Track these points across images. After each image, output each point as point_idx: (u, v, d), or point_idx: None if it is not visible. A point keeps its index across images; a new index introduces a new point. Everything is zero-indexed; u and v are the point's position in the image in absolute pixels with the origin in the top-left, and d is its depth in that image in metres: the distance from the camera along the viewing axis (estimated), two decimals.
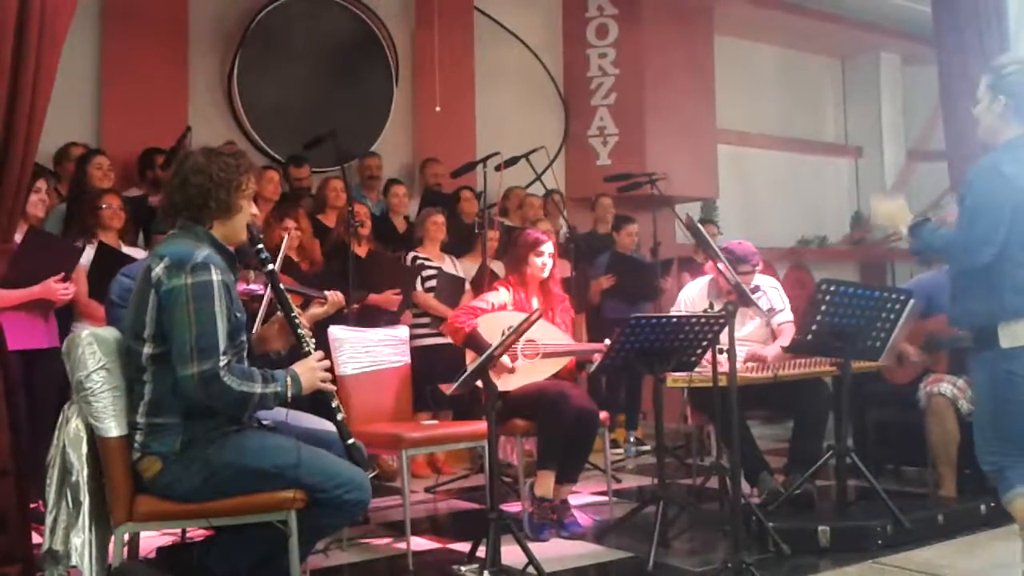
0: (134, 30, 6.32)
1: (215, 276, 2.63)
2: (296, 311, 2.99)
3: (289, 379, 2.75)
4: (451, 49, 7.52)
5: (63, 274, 4.33)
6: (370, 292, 5.42)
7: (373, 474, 2.98)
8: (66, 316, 4.61)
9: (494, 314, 4.41)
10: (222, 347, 2.61)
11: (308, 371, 2.81)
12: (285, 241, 4.62)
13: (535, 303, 4.50)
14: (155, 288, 2.63)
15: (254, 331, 3.18)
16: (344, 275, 4.91)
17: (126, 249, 4.81)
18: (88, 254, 4.63)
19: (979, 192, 3.05)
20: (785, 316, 4.72)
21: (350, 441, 2.87)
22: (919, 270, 8.33)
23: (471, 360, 4.07)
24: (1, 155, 3.11)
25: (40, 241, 4.28)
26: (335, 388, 2.93)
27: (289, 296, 2.99)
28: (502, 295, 4.51)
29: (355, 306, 4.12)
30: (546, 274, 4.58)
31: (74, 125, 5.97)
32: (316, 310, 3.34)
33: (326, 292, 3.47)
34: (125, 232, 4.89)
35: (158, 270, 2.64)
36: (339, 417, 2.88)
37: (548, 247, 4.57)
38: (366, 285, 5.32)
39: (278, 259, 4.05)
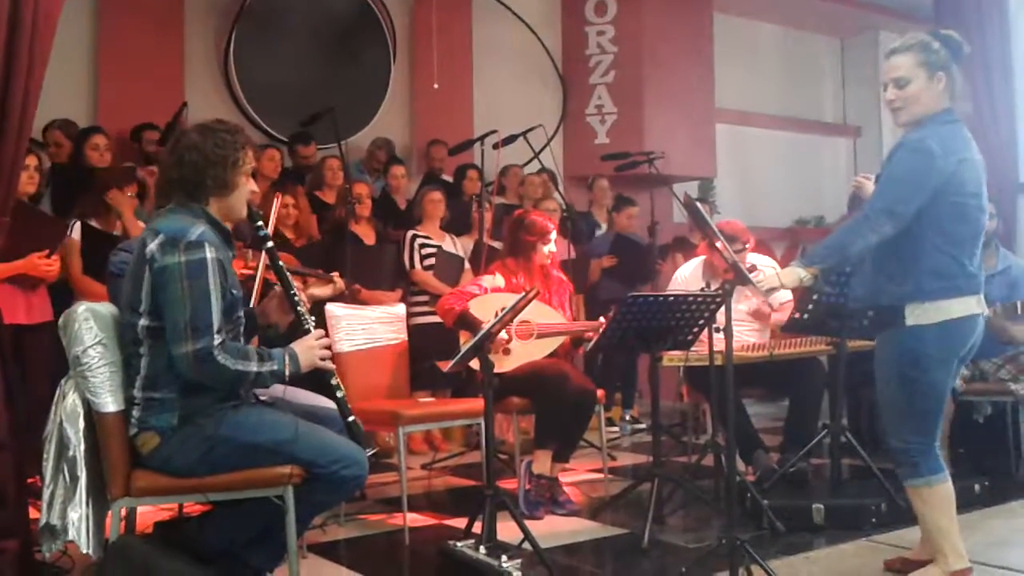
0: (130, 6, 6.30)
1: (209, 254, 2.61)
2: (296, 288, 2.98)
3: (287, 357, 2.74)
4: (449, 26, 7.49)
5: (47, 251, 4.21)
6: (364, 285, 5.39)
7: (372, 452, 2.97)
8: (62, 293, 4.58)
9: (488, 296, 4.41)
10: (216, 325, 2.59)
11: (307, 349, 2.80)
12: (275, 210, 4.46)
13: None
14: (149, 264, 2.62)
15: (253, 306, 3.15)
16: (340, 257, 4.88)
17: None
18: (78, 231, 4.60)
19: (898, 163, 2.95)
20: (785, 295, 4.71)
21: (350, 419, 2.87)
22: None
23: (465, 341, 4.07)
24: None
25: (26, 215, 4.19)
26: (335, 367, 2.92)
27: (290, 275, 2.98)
28: (497, 279, 4.50)
29: (345, 292, 4.11)
30: (549, 260, 4.60)
31: (70, 102, 5.95)
32: (316, 291, 3.31)
33: (332, 275, 3.43)
34: None
35: (152, 246, 2.62)
36: (339, 395, 2.88)
37: (554, 234, 4.59)
38: (363, 276, 5.30)
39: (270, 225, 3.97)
